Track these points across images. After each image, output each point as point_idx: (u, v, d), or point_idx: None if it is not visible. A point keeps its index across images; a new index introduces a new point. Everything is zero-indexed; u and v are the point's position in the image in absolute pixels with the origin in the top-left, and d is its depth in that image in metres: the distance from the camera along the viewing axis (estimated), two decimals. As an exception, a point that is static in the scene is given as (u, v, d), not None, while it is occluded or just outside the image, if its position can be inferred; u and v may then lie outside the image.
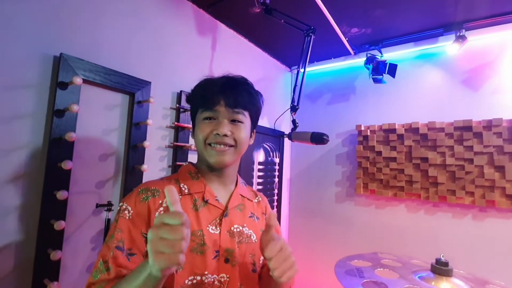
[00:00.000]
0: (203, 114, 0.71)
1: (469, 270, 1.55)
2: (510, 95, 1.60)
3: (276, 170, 2.27)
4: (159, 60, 1.40)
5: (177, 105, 1.45)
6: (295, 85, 1.31)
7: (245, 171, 1.92)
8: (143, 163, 1.25)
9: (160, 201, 0.68)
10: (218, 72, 1.73)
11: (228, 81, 0.73)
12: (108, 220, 1.07)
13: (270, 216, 0.63)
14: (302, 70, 1.33)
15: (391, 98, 2.01)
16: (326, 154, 2.28)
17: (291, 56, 2.28)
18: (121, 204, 0.69)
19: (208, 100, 0.70)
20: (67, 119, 1.02)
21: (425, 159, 1.80)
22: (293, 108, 1.23)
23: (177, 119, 1.46)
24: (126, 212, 0.66)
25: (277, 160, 2.28)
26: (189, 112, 1.50)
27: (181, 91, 1.47)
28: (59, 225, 0.95)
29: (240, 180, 0.84)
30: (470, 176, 1.65)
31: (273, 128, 2.17)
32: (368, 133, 2.02)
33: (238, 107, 0.71)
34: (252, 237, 0.77)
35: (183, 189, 0.72)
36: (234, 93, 0.71)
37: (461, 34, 1.66)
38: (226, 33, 1.85)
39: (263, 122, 2.14)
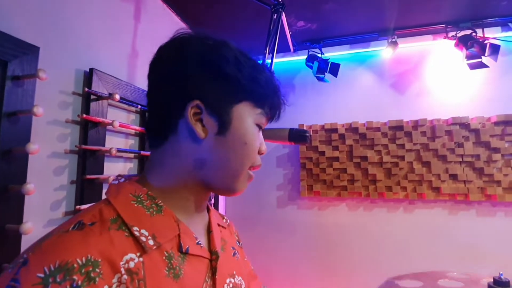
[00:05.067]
0: (260, 117, 0.46)
1: (403, 259, 1.67)
2: (430, 98, 1.80)
3: (213, 177, 1.94)
4: (57, 16, 0.89)
5: (86, 89, 0.96)
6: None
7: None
8: (24, 181, 0.74)
9: (106, 286, 0.30)
10: (143, 51, 1.32)
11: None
12: None
13: None
14: (269, 58, 1.08)
15: (332, 98, 2.00)
16: (266, 156, 2.10)
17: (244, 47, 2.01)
18: None
19: (279, 105, 0.49)
20: None
21: (364, 158, 1.84)
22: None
23: (86, 110, 0.98)
24: None
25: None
26: (104, 101, 1.03)
27: (91, 70, 0.99)
28: None
29: None
30: (403, 171, 1.77)
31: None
32: (311, 133, 1.95)
33: None
34: (242, 287, 0.49)
35: (143, 239, 0.35)
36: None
37: (393, 40, 1.76)
38: (154, 3, 1.43)
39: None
